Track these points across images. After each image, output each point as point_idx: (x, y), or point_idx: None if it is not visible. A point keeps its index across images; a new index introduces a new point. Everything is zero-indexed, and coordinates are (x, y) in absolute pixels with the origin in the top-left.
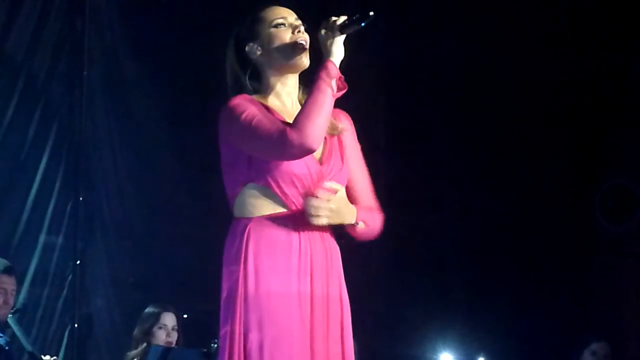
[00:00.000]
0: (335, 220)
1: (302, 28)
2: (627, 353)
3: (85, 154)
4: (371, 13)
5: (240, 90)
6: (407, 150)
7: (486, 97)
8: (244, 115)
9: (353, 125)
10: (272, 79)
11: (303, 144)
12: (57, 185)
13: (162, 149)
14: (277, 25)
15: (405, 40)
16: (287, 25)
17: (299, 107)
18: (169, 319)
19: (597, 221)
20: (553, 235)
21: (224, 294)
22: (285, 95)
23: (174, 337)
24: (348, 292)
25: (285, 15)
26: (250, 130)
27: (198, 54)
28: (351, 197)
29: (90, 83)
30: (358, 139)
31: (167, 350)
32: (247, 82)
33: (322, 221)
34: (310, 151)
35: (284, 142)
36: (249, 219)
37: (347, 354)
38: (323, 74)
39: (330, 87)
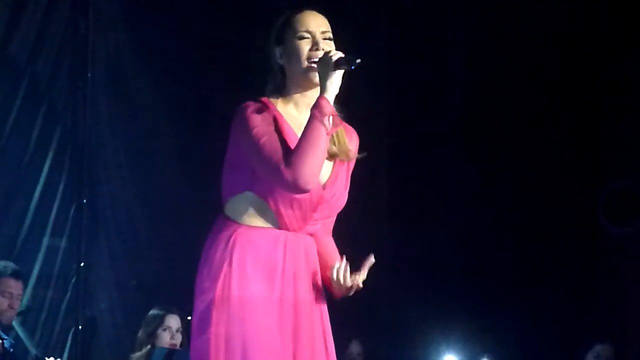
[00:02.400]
0: (341, 289)
1: (319, 44)
2: (630, 355)
3: (89, 157)
4: (358, 60)
5: (269, 89)
6: (410, 154)
7: (489, 99)
8: (255, 131)
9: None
10: (294, 88)
11: (297, 185)
12: (61, 187)
13: (166, 151)
14: (300, 38)
15: (407, 43)
16: (309, 38)
17: None
18: (173, 321)
19: (601, 223)
20: (557, 238)
21: (200, 296)
22: (303, 106)
23: (178, 339)
24: (354, 296)
25: (311, 28)
26: (255, 148)
27: (202, 56)
28: None
29: (94, 85)
30: (361, 145)
31: (171, 352)
32: (275, 83)
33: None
34: (303, 191)
35: (279, 177)
36: (238, 225)
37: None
38: (316, 112)
39: (324, 125)
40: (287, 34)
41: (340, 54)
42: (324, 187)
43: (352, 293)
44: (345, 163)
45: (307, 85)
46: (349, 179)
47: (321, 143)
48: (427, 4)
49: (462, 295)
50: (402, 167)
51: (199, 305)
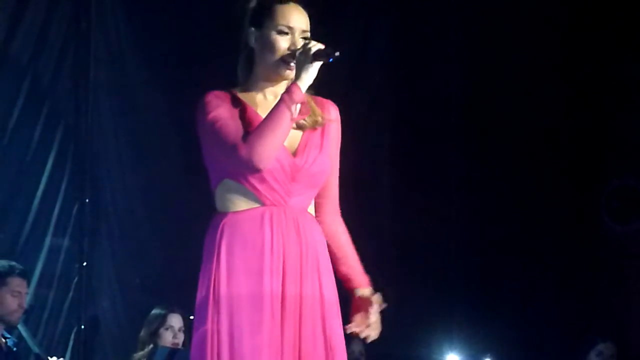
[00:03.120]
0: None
1: (297, 46)
2: (632, 353)
3: (91, 156)
4: (337, 53)
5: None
6: (411, 152)
7: (490, 98)
8: (210, 116)
9: (339, 119)
10: (261, 74)
11: (250, 161)
12: (63, 186)
13: (169, 150)
14: (279, 32)
15: (409, 42)
16: (289, 36)
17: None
18: (175, 321)
19: (603, 222)
20: (558, 236)
21: (197, 294)
22: (269, 93)
23: (181, 338)
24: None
25: (292, 24)
26: (211, 133)
27: (204, 55)
28: (316, 197)
29: (96, 84)
30: (364, 142)
31: (173, 351)
32: (241, 63)
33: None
34: (257, 170)
35: (234, 156)
36: (225, 215)
37: (333, 351)
38: (286, 97)
39: (290, 111)
40: (266, 21)
41: (320, 46)
42: (294, 154)
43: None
44: (318, 129)
45: (275, 78)
46: (327, 145)
47: (283, 126)
48: (430, 2)
49: (464, 294)
50: (404, 165)
51: (197, 302)
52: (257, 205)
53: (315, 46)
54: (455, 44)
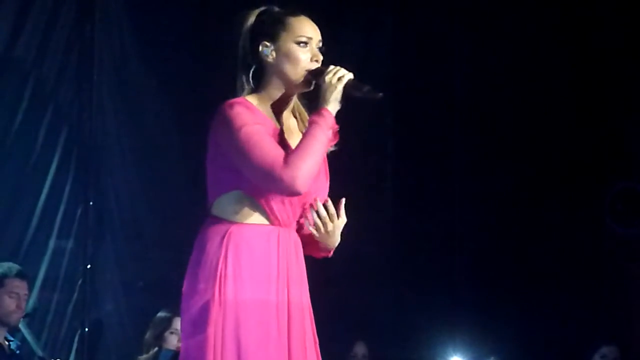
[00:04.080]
0: (328, 239)
1: (319, 57)
2: (636, 356)
3: (95, 158)
4: (380, 94)
5: (241, 84)
6: (415, 155)
7: (494, 99)
8: (243, 131)
9: None
10: (275, 86)
11: (293, 186)
12: (67, 189)
13: (172, 152)
14: (299, 43)
15: (412, 44)
16: (308, 48)
17: (293, 120)
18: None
19: (606, 225)
20: (562, 239)
21: (193, 296)
22: (284, 104)
23: None
24: (358, 297)
25: (311, 35)
26: (244, 150)
27: (209, 57)
28: None
29: (100, 87)
30: (367, 144)
31: (177, 354)
32: (250, 78)
33: (327, 229)
34: (297, 194)
35: (274, 178)
36: (231, 223)
37: None
38: (321, 121)
39: (326, 135)
40: (282, 34)
41: (351, 75)
42: None
43: (334, 240)
44: None
45: (294, 91)
46: (327, 170)
47: (321, 151)
48: (432, 2)
49: (467, 296)
50: (406, 166)
51: (194, 305)
52: (265, 222)
53: (346, 75)
54: (458, 46)
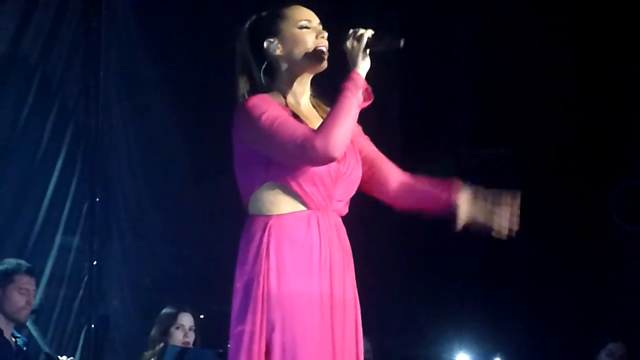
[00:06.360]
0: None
1: (325, 34)
2: None
3: (101, 155)
4: (402, 41)
5: (253, 85)
6: (421, 150)
7: (502, 97)
8: (264, 117)
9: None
10: (289, 78)
11: (327, 151)
12: (73, 186)
13: (178, 149)
14: (302, 27)
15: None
16: (311, 28)
17: (311, 108)
18: (186, 320)
19: (613, 221)
20: (569, 236)
21: (239, 293)
22: (300, 95)
23: (192, 337)
24: (363, 292)
25: (310, 18)
26: (270, 133)
27: (215, 55)
28: (381, 178)
29: (106, 84)
30: (374, 139)
31: (183, 350)
32: (262, 77)
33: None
34: (333, 159)
35: (307, 147)
36: (269, 217)
37: (360, 355)
38: (350, 85)
39: (357, 98)
40: (283, 25)
41: (370, 32)
42: (337, 161)
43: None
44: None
45: (308, 72)
46: (357, 154)
47: (352, 113)
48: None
49: (474, 293)
50: (412, 164)
51: (239, 299)
52: (302, 208)
53: (367, 32)
54: (464, 45)
